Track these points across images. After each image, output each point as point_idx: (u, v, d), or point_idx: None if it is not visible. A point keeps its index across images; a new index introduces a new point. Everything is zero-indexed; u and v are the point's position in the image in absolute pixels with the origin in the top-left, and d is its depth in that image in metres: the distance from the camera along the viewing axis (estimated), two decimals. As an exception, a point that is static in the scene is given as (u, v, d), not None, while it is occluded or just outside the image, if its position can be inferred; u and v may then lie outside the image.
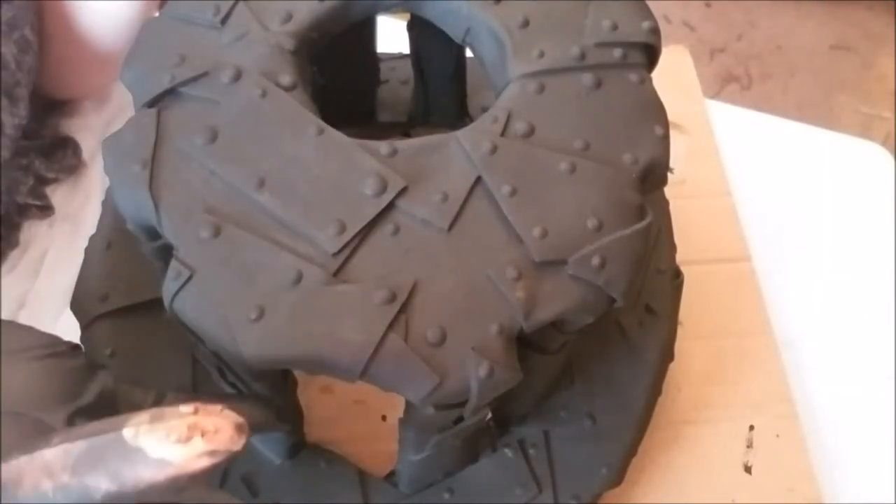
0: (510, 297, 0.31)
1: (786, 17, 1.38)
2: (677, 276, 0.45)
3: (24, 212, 0.52)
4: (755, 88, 1.31)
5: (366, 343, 0.29)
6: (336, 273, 0.31)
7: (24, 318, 0.49)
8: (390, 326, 0.29)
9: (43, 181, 0.53)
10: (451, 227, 0.32)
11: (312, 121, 0.33)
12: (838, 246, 0.57)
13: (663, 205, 0.47)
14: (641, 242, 0.33)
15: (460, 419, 0.33)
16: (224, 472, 0.39)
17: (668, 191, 0.47)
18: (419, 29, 0.44)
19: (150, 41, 0.36)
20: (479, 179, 0.33)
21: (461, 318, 0.30)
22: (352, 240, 0.31)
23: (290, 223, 0.31)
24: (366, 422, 0.44)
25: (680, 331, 0.46)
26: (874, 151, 0.62)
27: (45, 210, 0.53)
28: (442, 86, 0.49)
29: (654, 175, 0.35)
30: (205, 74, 0.34)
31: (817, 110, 1.25)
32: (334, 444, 0.42)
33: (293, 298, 0.30)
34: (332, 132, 0.33)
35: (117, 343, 0.40)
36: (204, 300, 0.30)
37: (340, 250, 0.31)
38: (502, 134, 0.34)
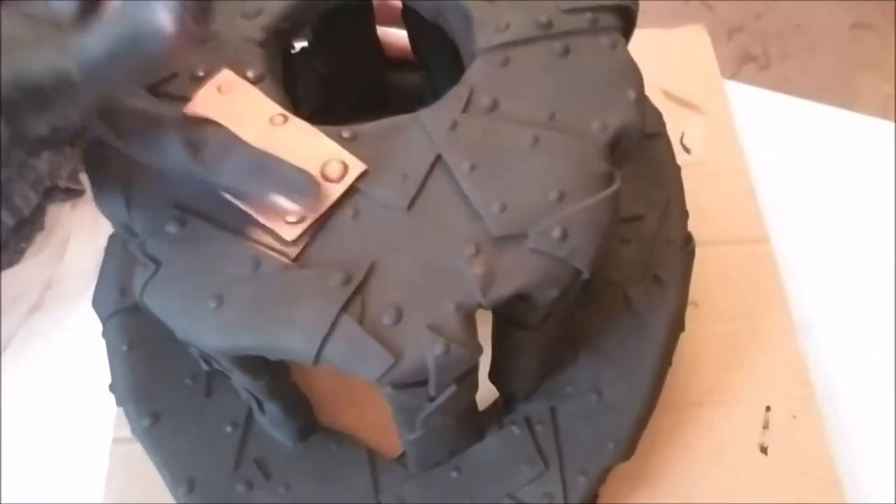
0: (467, 274, 0.30)
1: (805, -4, 1.31)
2: (688, 243, 0.43)
3: (49, 195, 0.53)
4: (774, 68, 1.25)
5: (319, 326, 0.29)
6: (295, 259, 0.31)
7: (50, 300, 0.52)
8: (344, 308, 0.30)
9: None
10: (410, 206, 0.32)
11: (276, 110, 0.34)
12: (857, 227, 0.54)
13: (674, 172, 0.45)
14: (608, 211, 0.32)
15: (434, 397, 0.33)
16: (237, 456, 0.41)
17: (686, 171, 0.46)
18: (413, 15, 0.44)
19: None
20: (438, 157, 0.33)
21: (418, 297, 0.30)
22: (310, 226, 0.32)
23: (251, 212, 0.32)
24: (380, 404, 0.45)
25: (696, 312, 0.44)
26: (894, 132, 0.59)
27: (77, 193, 0.54)
28: (447, 68, 0.48)
29: (626, 140, 0.34)
30: (175, 75, 0.35)
31: (838, 90, 1.20)
32: (348, 426, 0.42)
33: (251, 286, 0.31)
34: (295, 120, 0.34)
35: (134, 337, 0.42)
36: (169, 292, 0.31)
37: (300, 237, 0.31)
38: (464, 110, 0.34)
